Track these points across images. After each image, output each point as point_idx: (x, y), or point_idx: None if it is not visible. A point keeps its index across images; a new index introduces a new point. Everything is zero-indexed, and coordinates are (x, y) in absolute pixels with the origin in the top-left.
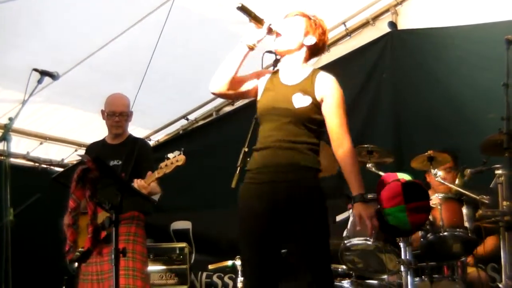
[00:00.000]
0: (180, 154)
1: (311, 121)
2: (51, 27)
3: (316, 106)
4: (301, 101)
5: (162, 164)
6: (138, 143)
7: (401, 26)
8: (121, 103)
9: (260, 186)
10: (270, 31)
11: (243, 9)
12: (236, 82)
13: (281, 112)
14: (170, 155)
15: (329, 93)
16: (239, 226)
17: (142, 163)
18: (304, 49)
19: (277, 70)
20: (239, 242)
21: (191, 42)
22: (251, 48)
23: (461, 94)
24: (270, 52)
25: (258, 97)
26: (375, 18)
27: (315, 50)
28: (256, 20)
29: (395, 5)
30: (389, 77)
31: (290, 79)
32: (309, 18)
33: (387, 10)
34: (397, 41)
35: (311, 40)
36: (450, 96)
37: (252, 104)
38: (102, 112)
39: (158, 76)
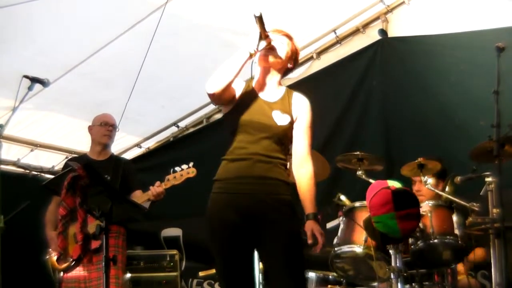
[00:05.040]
0: (191, 167)
1: (287, 138)
2: (42, 34)
3: (292, 125)
4: (281, 119)
5: (170, 177)
6: (122, 161)
7: (392, 33)
8: (113, 118)
9: (235, 197)
10: (269, 44)
11: (260, 19)
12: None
13: (261, 127)
14: (178, 168)
15: (304, 113)
16: (212, 237)
17: (130, 179)
18: (282, 70)
19: (251, 81)
20: (213, 253)
21: (182, 50)
22: (251, 56)
23: (452, 101)
24: None
25: (234, 107)
26: (366, 25)
27: (287, 72)
28: (264, 32)
29: (386, 13)
30: (380, 85)
31: (267, 95)
32: (294, 44)
33: (377, 18)
34: (388, 49)
35: (290, 65)
36: (441, 103)
37: None
38: (90, 127)
39: (149, 83)
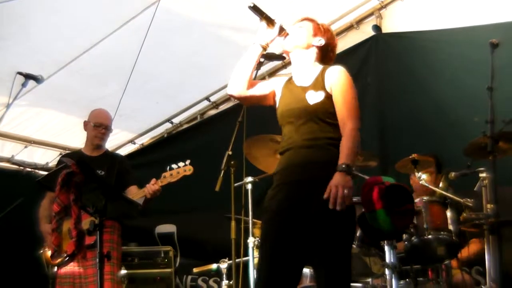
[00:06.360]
0: (187, 164)
1: (328, 114)
2: (36, 30)
3: (329, 99)
4: (314, 98)
5: (166, 174)
6: (118, 158)
7: (386, 29)
8: (109, 117)
9: (285, 186)
10: (281, 31)
11: (254, 8)
12: (251, 85)
13: (297, 113)
14: (174, 166)
15: (337, 80)
16: (264, 224)
17: (126, 176)
18: (314, 50)
19: (291, 75)
20: (262, 240)
21: (176, 46)
22: (264, 48)
23: (446, 97)
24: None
25: (277, 104)
26: (360, 21)
27: (325, 52)
28: (268, 20)
29: (380, 9)
30: (374, 81)
31: (303, 80)
32: (317, 23)
33: (371, 14)
34: (382, 45)
35: (320, 41)
36: (435, 99)
37: (236, 108)
38: (85, 123)
39: (143, 79)
